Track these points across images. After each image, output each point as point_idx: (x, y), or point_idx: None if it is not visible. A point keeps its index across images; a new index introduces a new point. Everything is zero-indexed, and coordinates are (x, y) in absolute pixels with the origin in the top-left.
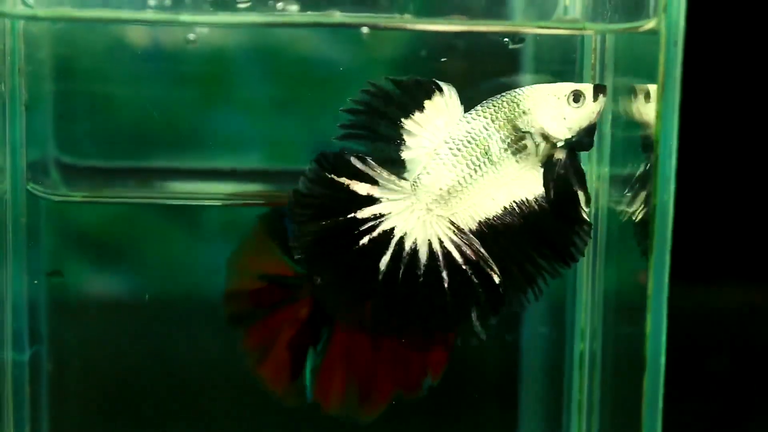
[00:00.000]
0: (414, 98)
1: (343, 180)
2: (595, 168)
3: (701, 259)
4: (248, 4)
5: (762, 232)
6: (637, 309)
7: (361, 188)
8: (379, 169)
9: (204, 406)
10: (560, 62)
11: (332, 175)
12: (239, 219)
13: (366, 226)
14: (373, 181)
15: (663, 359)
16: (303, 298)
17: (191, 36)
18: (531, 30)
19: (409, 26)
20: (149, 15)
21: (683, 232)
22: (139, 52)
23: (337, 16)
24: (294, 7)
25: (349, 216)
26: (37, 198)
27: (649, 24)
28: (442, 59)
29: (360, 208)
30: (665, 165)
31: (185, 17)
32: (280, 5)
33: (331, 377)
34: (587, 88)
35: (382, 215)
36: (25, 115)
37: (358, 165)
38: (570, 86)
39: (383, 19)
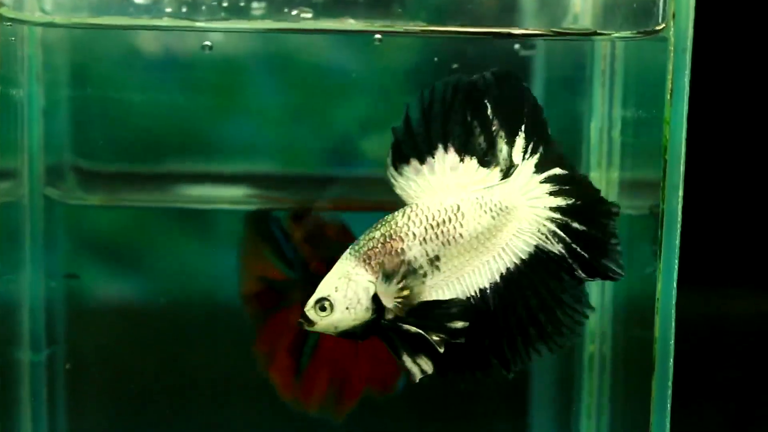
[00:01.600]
0: None
1: None
2: (604, 173)
3: (714, 265)
4: (263, 11)
5: None
6: (646, 312)
7: None
8: None
9: (221, 410)
10: (571, 68)
11: None
12: None
13: None
14: None
15: (671, 362)
16: (295, 303)
17: (207, 42)
18: (540, 35)
19: (420, 31)
20: (165, 22)
21: (696, 237)
22: (155, 58)
23: (350, 23)
24: (308, 15)
25: None
26: (53, 202)
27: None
28: (454, 66)
29: None
30: (673, 172)
31: (201, 23)
32: (294, 12)
33: (315, 377)
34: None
35: None
36: (42, 120)
37: None
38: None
39: (394, 26)
